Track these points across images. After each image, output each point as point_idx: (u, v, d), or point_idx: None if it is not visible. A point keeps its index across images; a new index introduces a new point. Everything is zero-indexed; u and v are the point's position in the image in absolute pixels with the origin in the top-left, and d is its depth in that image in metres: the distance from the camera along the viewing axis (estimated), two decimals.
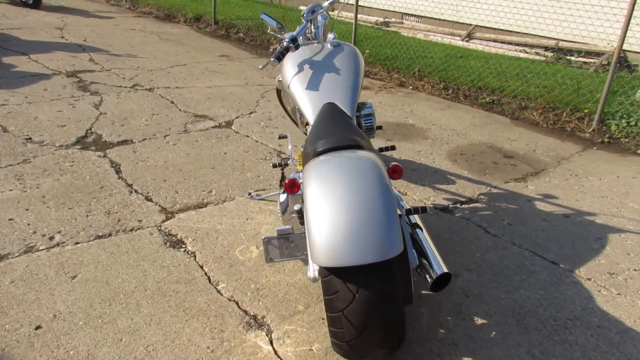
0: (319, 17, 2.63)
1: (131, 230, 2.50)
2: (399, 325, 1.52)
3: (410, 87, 5.62)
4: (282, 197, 2.21)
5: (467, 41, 7.06)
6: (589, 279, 2.35)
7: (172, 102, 4.44)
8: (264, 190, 3.01)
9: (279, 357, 1.79)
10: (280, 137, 2.84)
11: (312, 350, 1.82)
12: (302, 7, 9.09)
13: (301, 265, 2.30)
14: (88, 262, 2.23)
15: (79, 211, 2.63)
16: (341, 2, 2.68)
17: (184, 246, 2.40)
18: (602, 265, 2.46)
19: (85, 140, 3.54)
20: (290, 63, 2.41)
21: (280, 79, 2.75)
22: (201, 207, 2.76)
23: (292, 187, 1.80)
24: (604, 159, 3.91)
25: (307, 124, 2.53)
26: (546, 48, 6.40)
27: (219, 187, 3.00)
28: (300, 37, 2.38)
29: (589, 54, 6.11)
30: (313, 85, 2.30)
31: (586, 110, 4.62)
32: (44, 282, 2.09)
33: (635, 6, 4.25)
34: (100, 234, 2.45)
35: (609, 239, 2.72)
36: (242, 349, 1.81)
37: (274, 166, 2.74)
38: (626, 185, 3.44)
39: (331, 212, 1.48)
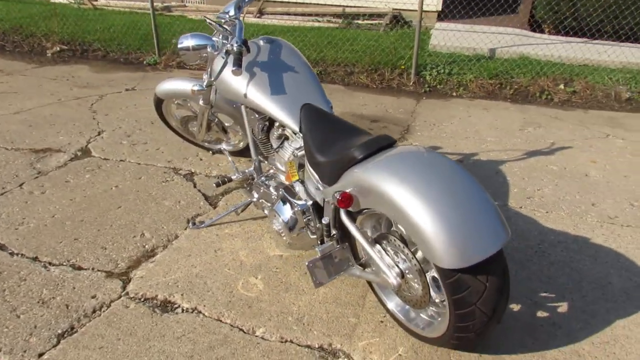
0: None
1: (94, 312, 1.97)
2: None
3: None
4: (286, 213, 2.04)
5: (259, 17, 7.13)
6: (521, 207, 2.83)
7: None
8: (199, 215, 2.67)
9: None
10: (213, 153, 2.54)
11: (401, 355, 1.81)
12: (114, 5, 7.74)
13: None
14: None
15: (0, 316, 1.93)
16: None
17: (177, 306, 2.01)
18: (518, 193, 2.98)
19: None
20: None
21: (196, 88, 2.41)
22: (152, 256, 2.32)
23: (348, 201, 1.69)
24: (438, 105, 4.58)
25: (262, 128, 2.32)
26: (334, 15, 6.95)
27: (148, 227, 2.54)
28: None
29: (371, 16, 6.87)
30: (277, 89, 2.12)
31: (403, 67, 5.27)
32: None
33: None
34: (59, 331, 1.86)
35: (502, 170, 3.28)
36: None
37: (217, 185, 2.47)
38: (470, 124, 4.12)
39: (444, 212, 1.47)
